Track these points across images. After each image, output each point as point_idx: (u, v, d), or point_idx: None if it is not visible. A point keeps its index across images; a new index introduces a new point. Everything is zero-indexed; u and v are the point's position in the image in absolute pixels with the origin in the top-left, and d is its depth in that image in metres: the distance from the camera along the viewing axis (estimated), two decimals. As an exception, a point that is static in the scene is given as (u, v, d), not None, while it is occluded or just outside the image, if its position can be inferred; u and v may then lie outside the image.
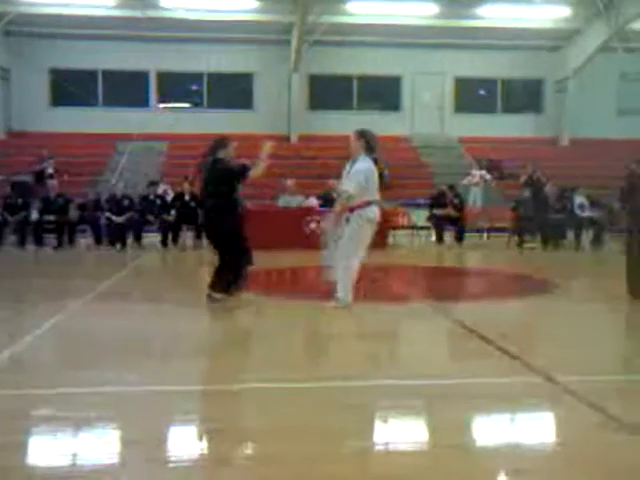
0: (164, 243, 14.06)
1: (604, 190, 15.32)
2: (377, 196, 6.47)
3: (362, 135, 6.51)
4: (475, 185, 18.05)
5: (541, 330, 5.97)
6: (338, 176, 6.71)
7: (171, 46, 22.34)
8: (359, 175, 6.34)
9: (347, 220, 6.42)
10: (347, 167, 6.57)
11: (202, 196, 7.03)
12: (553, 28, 22.47)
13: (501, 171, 20.44)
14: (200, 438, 3.29)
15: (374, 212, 6.44)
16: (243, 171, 6.57)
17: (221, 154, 6.65)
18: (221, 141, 6.79)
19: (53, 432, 3.26)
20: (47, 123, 21.71)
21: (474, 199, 17.94)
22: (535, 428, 3.44)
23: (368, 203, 6.37)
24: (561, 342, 5.33)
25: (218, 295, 6.55)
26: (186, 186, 14.22)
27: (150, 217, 14.25)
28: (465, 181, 18.08)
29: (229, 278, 6.61)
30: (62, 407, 3.63)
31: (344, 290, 6.40)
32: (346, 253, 6.37)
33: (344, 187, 6.41)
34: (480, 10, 21.40)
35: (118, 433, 3.34)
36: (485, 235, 16.71)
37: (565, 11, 21.65)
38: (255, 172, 6.52)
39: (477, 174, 18.36)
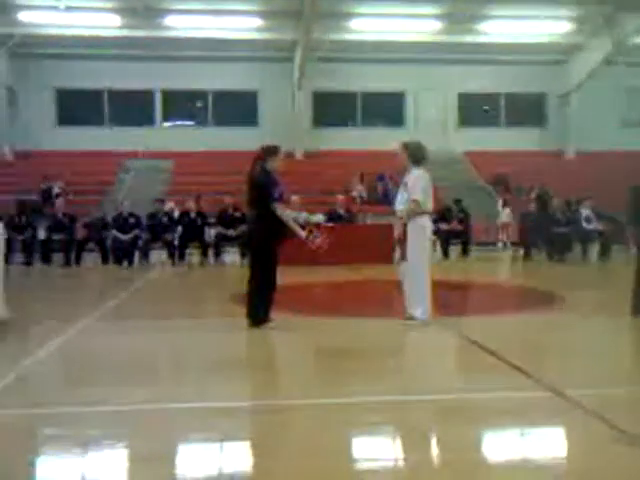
0: (171, 261, 14.08)
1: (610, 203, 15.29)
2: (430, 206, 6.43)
3: (405, 147, 6.48)
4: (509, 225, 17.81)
5: (548, 344, 5.94)
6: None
7: (176, 65, 22.54)
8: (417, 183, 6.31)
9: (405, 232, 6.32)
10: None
11: (247, 204, 6.50)
12: (555, 43, 22.59)
13: (508, 185, 20.48)
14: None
15: (425, 221, 6.42)
16: (275, 197, 6.18)
17: (269, 164, 6.25)
18: (271, 149, 6.35)
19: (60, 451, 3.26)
20: (53, 142, 21.88)
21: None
22: (545, 443, 3.41)
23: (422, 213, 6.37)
24: (568, 356, 5.30)
25: (272, 323, 6.23)
26: (191, 204, 14.32)
27: (156, 235, 14.27)
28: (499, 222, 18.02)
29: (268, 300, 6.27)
30: (68, 426, 3.64)
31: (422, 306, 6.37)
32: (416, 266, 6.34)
33: (412, 196, 6.31)
34: (482, 26, 21.53)
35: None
36: (492, 248, 16.72)
37: (567, 26, 21.76)
38: (282, 213, 6.22)
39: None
